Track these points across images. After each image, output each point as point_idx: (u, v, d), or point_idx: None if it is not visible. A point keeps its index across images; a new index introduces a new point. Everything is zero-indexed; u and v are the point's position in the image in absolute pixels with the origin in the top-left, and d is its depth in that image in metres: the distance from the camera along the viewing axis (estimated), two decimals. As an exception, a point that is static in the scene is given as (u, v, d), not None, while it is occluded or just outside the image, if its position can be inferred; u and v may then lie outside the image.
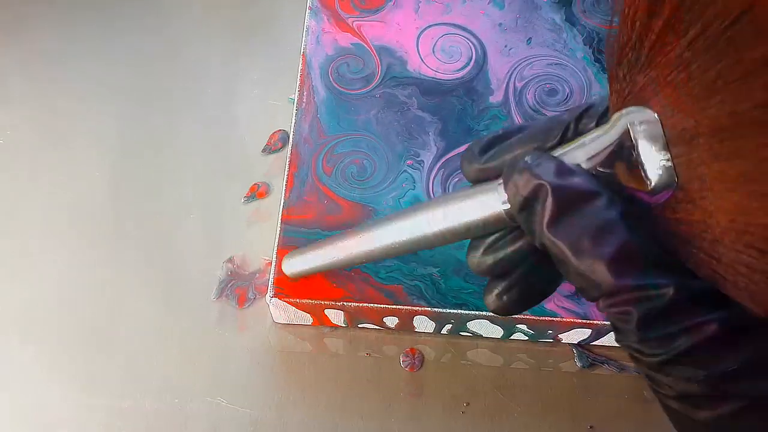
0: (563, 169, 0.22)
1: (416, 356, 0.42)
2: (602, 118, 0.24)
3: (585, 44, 0.46)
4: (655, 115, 0.21)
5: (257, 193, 0.46)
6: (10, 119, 0.49)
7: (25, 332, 0.42)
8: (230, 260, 0.44)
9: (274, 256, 0.39)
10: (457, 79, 0.44)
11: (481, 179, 0.26)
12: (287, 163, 0.42)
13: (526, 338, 0.42)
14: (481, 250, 0.26)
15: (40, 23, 0.52)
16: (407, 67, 0.45)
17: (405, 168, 0.42)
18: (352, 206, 0.41)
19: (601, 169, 0.23)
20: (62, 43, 0.52)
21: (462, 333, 0.42)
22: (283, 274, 0.38)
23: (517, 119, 0.43)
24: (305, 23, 0.46)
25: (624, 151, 0.22)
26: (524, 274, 0.26)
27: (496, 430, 0.40)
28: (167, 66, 0.51)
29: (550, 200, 0.22)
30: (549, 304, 0.38)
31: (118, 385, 0.41)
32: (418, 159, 0.42)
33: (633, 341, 0.21)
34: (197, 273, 0.44)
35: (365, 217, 0.40)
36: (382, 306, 0.38)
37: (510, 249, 0.25)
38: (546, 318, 0.38)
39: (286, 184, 0.41)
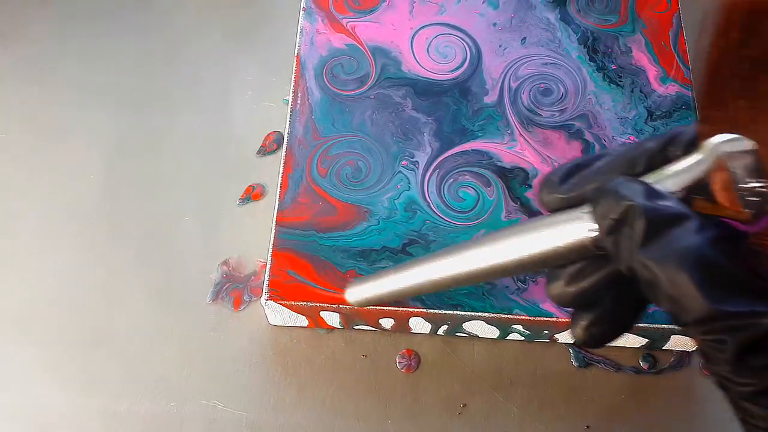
0: (653, 192, 0.22)
1: (412, 357, 0.42)
2: (690, 146, 0.23)
3: (580, 43, 0.46)
4: (752, 143, 0.21)
5: (252, 194, 0.46)
6: (7, 120, 0.49)
7: (22, 333, 0.42)
8: (225, 263, 0.44)
9: (269, 258, 0.39)
10: (451, 79, 0.44)
11: (561, 208, 0.25)
12: (281, 165, 0.42)
13: (522, 338, 0.42)
14: (563, 280, 0.25)
15: (36, 25, 0.52)
16: (402, 68, 0.45)
17: (400, 169, 0.42)
18: (347, 207, 0.40)
19: (692, 196, 0.22)
20: (58, 45, 0.51)
21: (458, 334, 0.42)
22: (279, 277, 0.38)
23: (512, 119, 0.43)
24: (299, 24, 0.46)
25: (716, 179, 0.22)
26: (611, 305, 0.25)
27: (493, 430, 0.40)
28: (162, 68, 0.51)
29: (641, 222, 0.21)
30: (545, 304, 0.38)
31: (115, 387, 0.41)
32: (413, 160, 0.42)
33: (725, 371, 0.21)
34: (193, 275, 0.44)
35: (360, 218, 0.40)
36: (377, 307, 0.38)
37: (594, 278, 0.24)
38: (542, 318, 0.38)
39: (280, 186, 0.41)
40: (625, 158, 0.24)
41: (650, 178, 0.23)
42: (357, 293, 0.33)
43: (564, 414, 0.41)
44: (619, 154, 0.25)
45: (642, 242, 0.21)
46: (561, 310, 0.38)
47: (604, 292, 0.25)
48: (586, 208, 0.24)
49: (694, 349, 0.41)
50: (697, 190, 0.22)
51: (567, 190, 0.25)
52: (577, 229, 0.24)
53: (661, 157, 0.24)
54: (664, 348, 0.42)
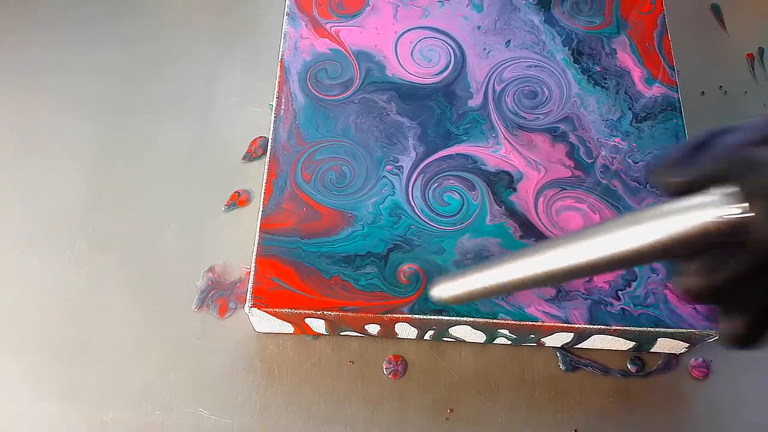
0: None
1: (399, 363, 0.42)
2: None
3: (564, 46, 0.46)
4: None
5: (238, 200, 0.46)
6: (-12, 130, 0.48)
7: (3, 342, 0.42)
8: (211, 269, 0.44)
9: (253, 265, 0.39)
10: (436, 83, 0.44)
11: (684, 191, 0.22)
12: (265, 171, 0.41)
13: (509, 343, 0.41)
14: (692, 273, 0.22)
15: (22, 33, 0.52)
16: (386, 72, 0.44)
17: (384, 174, 0.41)
18: (331, 213, 0.40)
19: None
20: (44, 53, 0.51)
21: (445, 339, 0.41)
22: (263, 284, 0.38)
23: (497, 123, 0.43)
24: (283, 30, 0.46)
25: None
26: (757, 298, 0.22)
27: (480, 435, 0.40)
28: (147, 75, 0.50)
29: None
30: (530, 309, 0.38)
31: (99, 396, 0.41)
32: (398, 164, 0.42)
33: None
34: (178, 282, 0.44)
35: (345, 224, 0.40)
36: (363, 314, 0.38)
37: (731, 269, 0.21)
38: (527, 323, 0.38)
39: (264, 192, 0.41)
40: (759, 133, 0.22)
41: None
42: (441, 291, 0.31)
43: (552, 418, 0.41)
44: (754, 126, 0.22)
45: None
46: (546, 314, 0.38)
47: (743, 284, 0.22)
48: (726, 188, 0.21)
49: (681, 352, 0.41)
50: None
51: (696, 170, 0.22)
52: (715, 211, 0.21)
53: None
54: (651, 351, 0.42)
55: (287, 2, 0.47)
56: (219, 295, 0.43)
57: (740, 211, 0.21)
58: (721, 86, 0.51)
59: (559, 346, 0.42)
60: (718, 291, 0.22)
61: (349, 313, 0.38)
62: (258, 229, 0.40)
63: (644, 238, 0.23)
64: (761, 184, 0.20)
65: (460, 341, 0.42)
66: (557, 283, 0.25)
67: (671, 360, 0.42)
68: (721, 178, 0.21)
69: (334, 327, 0.40)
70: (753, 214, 0.20)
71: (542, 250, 0.26)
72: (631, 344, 0.41)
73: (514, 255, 0.26)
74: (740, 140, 0.22)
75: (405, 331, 0.40)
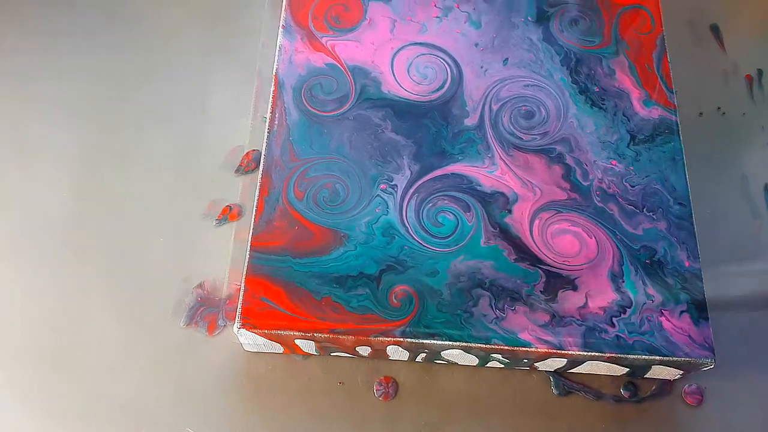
0: None
1: (390, 385, 0.41)
2: None
3: (563, 65, 0.45)
4: None
5: (229, 215, 0.45)
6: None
7: (-14, 361, 0.41)
8: (200, 285, 0.43)
9: (243, 284, 0.38)
10: (432, 100, 0.44)
11: None
12: (257, 188, 0.41)
13: (502, 366, 0.41)
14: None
15: (9, 40, 0.51)
16: (382, 89, 0.44)
17: (378, 192, 0.41)
18: (323, 232, 0.40)
19: None
20: (31, 61, 0.50)
21: (437, 361, 0.41)
22: (252, 304, 0.37)
23: (493, 143, 0.42)
24: (278, 42, 0.45)
25: None
26: None
27: (471, 461, 0.39)
28: (137, 85, 0.50)
29: None
30: (523, 334, 0.37)
31: (83, 412, 0.40)
32: (392, 183, 0.41)
33: None
34: (166, 299, 0.43)
35: (337, 243, 0.39)
36: (353, 337, 0.37)
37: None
38: (521, 348, 0.37)
39: (255, 210, 0.40)
40: None
41: None
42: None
43: (543, 443, 0.40)
44: None
45: None
46: (539, 340, 0.37)
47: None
48: None
49: (675, 377, 0.41)
50: None
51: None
52: None
53: None
54: (645, 376, 0.41)
55: (283, 14, 0.46)
56: (208, 312, 0.43)
57: None
58: (719, 107, 0.51)
59: (553, 370, 0.41)
60: None
61: (339, 336, 0.37)
62: (248, 247, 0.39)
63: None
64: None
65: (452, 364, 0.41)
66: None
67: (665, 386, 0.41)
68: None
69: (324, 348, 0.39)
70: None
71: None
72: (625, 370, 0.40)
73: None
74: None
75: (396, 353, 0.40)
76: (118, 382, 0.41)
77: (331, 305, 0.38)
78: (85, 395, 0.40)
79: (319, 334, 0.37)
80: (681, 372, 0.40)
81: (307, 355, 0.41)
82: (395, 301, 0.38)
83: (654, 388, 0.41)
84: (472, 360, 0.40)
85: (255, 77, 0.49)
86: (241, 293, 0.38)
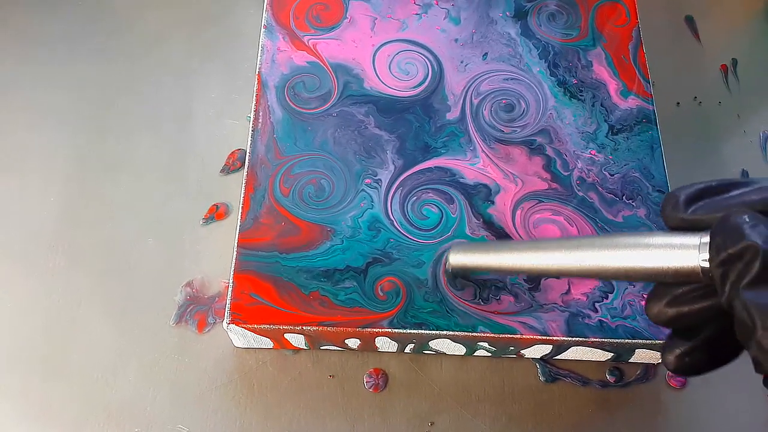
0: None
1: (380, 376, 0.42)
2: None
3: (541, 58, 0.46)
4: None
5: (216, 214, 0.46)
6: (-40, 145, 0.48)
7: (-24, 365, 0.41)
8: (189, 284, 0.44)
9: (231, 280, 0.39)
10: (414, 96, 0.44)
11: (682, 228, 0.25)
12: (243, 185, 0.41)
13: (489, 355, 0.41)
14: (665, 300, 0.25)
15: (-10, 45, 0.51)
16: (364, 85, 0.44)
17: (363, 187, 0.41)
18: (310, 227, 0.40)
19: None
20: (17, 68, 0.50)
21: (426, 351, 0.41)
22: (241, 300, 0.38)
23: (474, 136, 0.43)
24: (260, 42, 0.46)
25: None
26: (709, 337, 0.25)
27: (461, 448, 0.40)
28: (123, 88, 0.50)
29: (756, 264, 0.21)
30: (508, 321, 0.38)
31: (77, 414, 0.40)
32: (376, 178, 0.42)
33: None
34: (156, 298, 0.43)
35: (324, 238, 0.40)
36: (342, 329, 0.38)
37: (696, 306, 0.24)
38: (506, 336, 0.38)
39: (242, 207, 0.40)
40: (762, 196, 0.24)
41: None
42: (459, 258, 0.37)
43: (532, 429, 0.41)
44: (757, 188, 0.24)
45: (750, 283, 0.21)
46: (524, 326, 0.38)
47: (705, 323, 0.25)
48: (705, 237, 0.24)
49: (659, 361, 0.42)
50: None
51: (692, 213, 0.25)
52: (690, 255, 0.24)
53: None
54: (630, 361, 0.42)
55: (264, 15, 0.47)
56: (197, 310, 0.43)
57: (704, 260, 0.24)
58: (695, 97, 0.52)
59: (539, 357, 0.42)
60: (672, 321, 0.25)
61: (328, 328, 0.38)
62: (236, 245, 0.39)
63: (636, 260, 0.26)
64: (723, 241, 0.22)
65: (440, 354, 0.42)
66: (552, 276, 0.33)
67: (649, 370, 0.42)
68: (708, 226, 0.24)
69: (313, 341, 0.40)
70: (707, 266, 0.23)
71: (551, 247, 0.30)
72: (609, 355, 0.41)
73: (528, 243, 0.32)
74: (732, 199, 0.24)
75: (385, 344, 0.40)
76: (111, 384, 0.41)
77: (319, 299, 0.38)
78: (78, 398, 0.40)
79: (308, 328, 0.38)
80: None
81: (297, 350, 0.42)
82: (381, 293, 0.38)
83: (638, 372, 0.42)
84: (460, 350, 0.41)
85: (241, 79, 0.50)
86: (230, 289, 0.38)
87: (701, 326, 0.25)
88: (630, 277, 0.27)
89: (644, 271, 0.26)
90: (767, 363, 0.20)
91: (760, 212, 0.23)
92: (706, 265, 0.23)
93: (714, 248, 0.23)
